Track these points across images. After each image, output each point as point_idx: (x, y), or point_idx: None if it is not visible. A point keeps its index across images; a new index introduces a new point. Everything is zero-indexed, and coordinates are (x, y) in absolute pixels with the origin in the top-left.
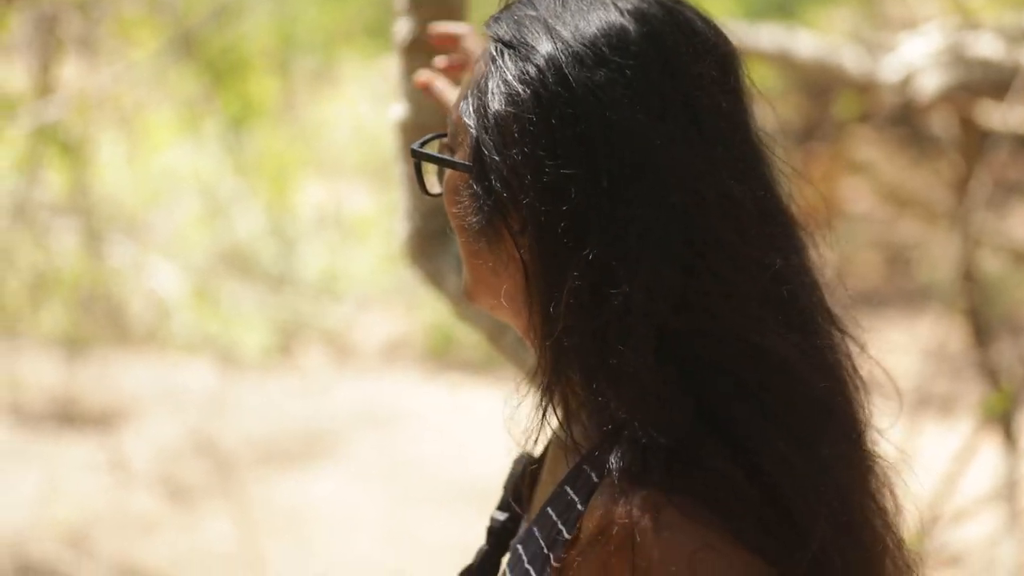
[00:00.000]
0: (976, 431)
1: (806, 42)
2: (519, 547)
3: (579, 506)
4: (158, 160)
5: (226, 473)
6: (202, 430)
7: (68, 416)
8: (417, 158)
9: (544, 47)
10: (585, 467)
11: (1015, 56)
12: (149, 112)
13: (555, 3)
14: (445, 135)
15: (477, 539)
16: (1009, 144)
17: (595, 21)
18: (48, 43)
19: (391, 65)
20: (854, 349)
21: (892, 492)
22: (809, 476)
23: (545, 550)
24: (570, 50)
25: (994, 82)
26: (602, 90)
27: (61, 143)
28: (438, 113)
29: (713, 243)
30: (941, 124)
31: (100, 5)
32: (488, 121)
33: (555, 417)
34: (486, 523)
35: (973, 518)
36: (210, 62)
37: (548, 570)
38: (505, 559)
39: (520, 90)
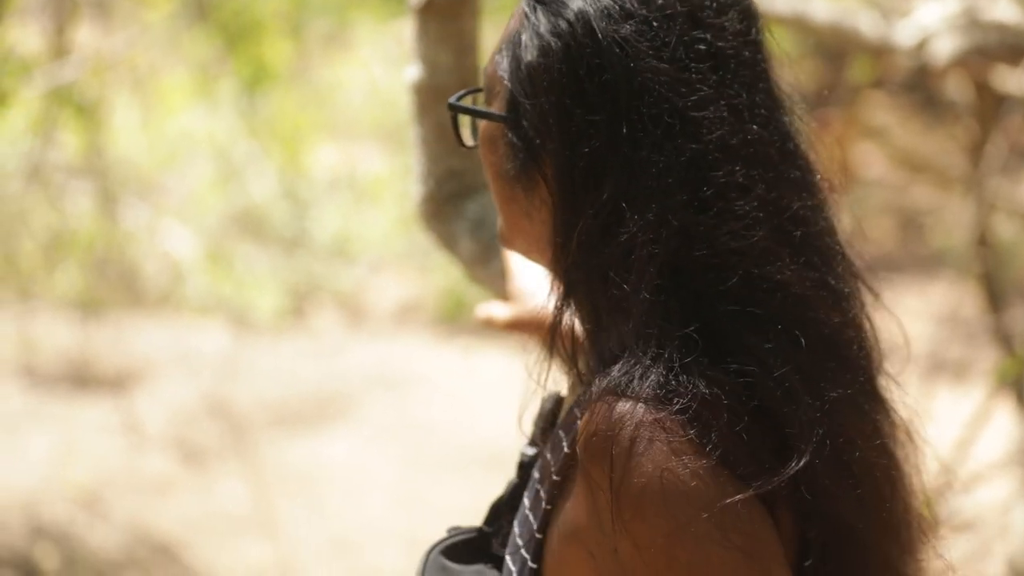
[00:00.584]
0: (989, 396)
1: (821, 6)
2: (534, 469)
3: (564, 444)
4: (172, 123)
5: (239, 436)
6: (215, 393)
7: (82, 378)
8: (453, 111)
9: (575, 3)
10: (591, 389)
11: None
12: (163, 75)
13: None
14: (480, 90)
15: (488, 501)
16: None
17: None
18: (63, 5)
19: (405, 28)
20: (869, 298)
21: (905, 445)
22: (810, 409)
23: (551, 466)
24: (599, 4)
25: (1010, 47)
26: (627, 42)
27: (76, 105)
28: (454, 74)
29: (731, 185)
30: (956, 89)
31: None
32: (521, 72)
33: (562, 350)
34: (514, 462)
35: (986, 484)
36: (223, 25)
37: (550, 484)
38: None
39: (551, 42)
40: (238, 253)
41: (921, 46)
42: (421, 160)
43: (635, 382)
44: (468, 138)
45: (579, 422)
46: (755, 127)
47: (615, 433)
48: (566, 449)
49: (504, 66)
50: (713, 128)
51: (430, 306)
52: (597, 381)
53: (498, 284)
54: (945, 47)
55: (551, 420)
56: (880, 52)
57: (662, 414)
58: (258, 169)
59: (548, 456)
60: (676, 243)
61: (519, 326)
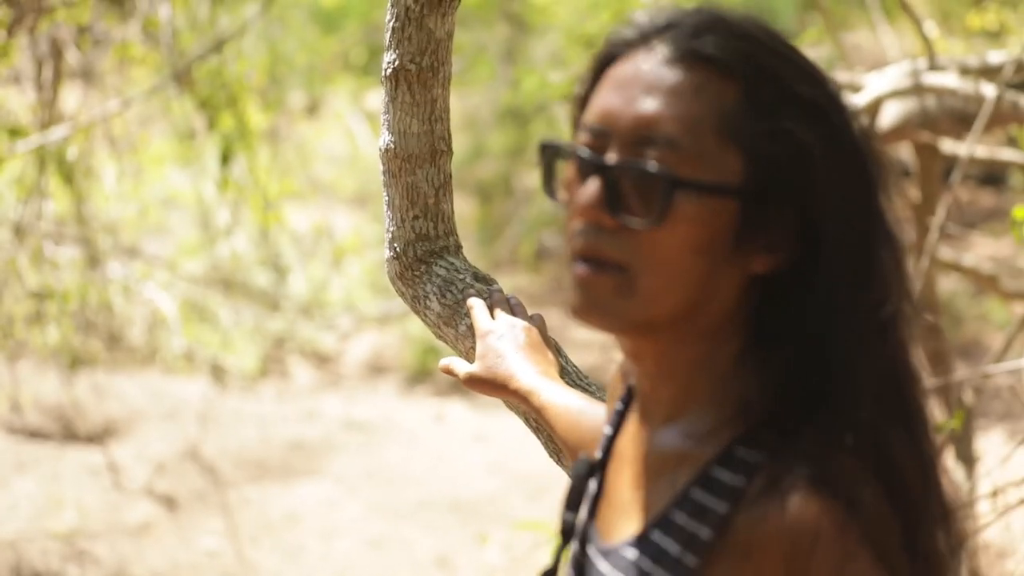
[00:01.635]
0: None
1: None
2: (655, 540)
3: (720, 508)
4: (155, 185)
5: (217, 485)
6: (195, 444)
7: (67, 429)
8: (670, 183)
9: (812, 87)
10: (717, 472)
11: (976, 90)
12: (147, 139)
13: (762, 29)
14: (643, 164)
15: (457, 549)
16: (968, 176)
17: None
18: (50, 71)
19: (378, 95)
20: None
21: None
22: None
23: (699, 526)
24: (830, 95)
25: (955, 115)
26: (864, 137)
27: (63, 168)
28: (424, 141)
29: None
30: (902, 154)
31: (102, 36)
32: (773, 142)
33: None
34: (554, 523)
35: None
36: (205, 99)
37: (698, 546)
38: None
39: (814, 109)
40: (218, 310)
41: (869, 114)
42: (391, 224)
43: (830, 474)
44: (639, 220)
45: (722, 511)
46: (888, 222)
47: (803, 535)
48: (705, 538)
49: (745, 132)
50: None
51: (402, 360)
52: (737, 463)
53: (465, 345)
54: (892, 115)
55: (584, 484)
56: None
57: (850, 523)
58: (237, 230)
59: (682, 516)
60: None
61: (478, 383)
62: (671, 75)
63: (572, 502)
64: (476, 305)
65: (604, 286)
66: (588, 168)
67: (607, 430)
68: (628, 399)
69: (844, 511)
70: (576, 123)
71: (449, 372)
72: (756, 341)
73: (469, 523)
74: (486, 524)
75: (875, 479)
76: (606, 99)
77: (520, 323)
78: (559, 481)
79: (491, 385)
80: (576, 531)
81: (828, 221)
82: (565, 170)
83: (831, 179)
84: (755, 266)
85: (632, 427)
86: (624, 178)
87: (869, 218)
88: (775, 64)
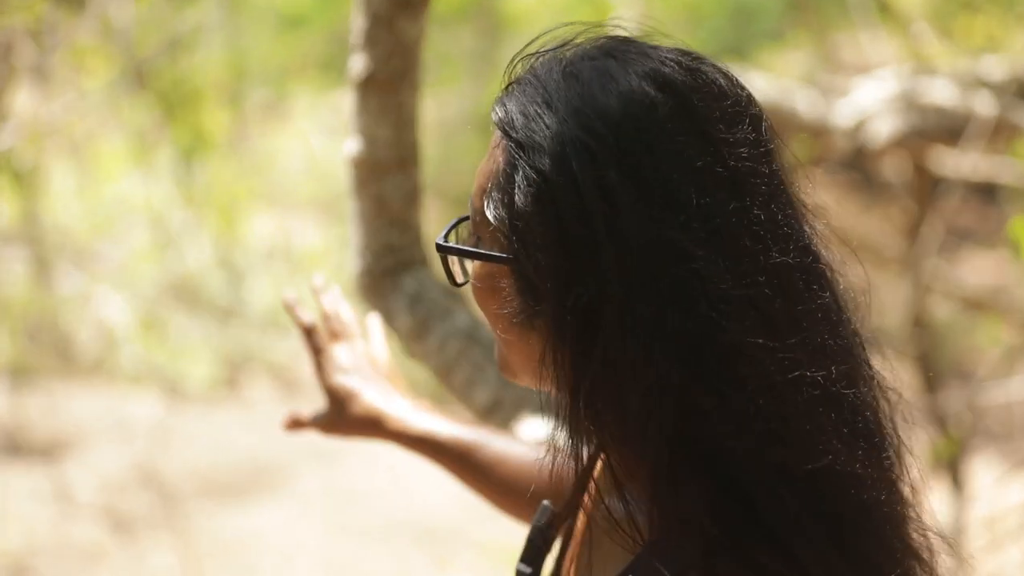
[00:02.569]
0: (924, 477)
1: (759, 85)
2: None
3: None
4: (109, 190)
5: (170, 505)
6: (147, 461)
7: (13, 446)
8: (446, 252)
9: (559, 141)
10: (648, 559)
11: (967, 103)
12: (101, 142)
13: (568, 79)
14: (467, 218)
15: (418, 572)
16: (960, 191)
17: (617, 97)
18: (1, 71)
19: (344, 100)
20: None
21: None
22: None
23: None
24: (582, 141)
25: (947, 129)
26: (614, 191)
27: (12, 171)
28: (393, 148)
29: (740, 352)
30: (893, 170)
31: (54, 33)
32: (514, 215)
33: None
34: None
35: None
36: (162, 94)
37: None
38: None
39: (535, 190)
40: (172, 322)
41: (859, 127)
42: (359, 234)
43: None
44: (459, 275)
45: None
46: (776, 255)
47: None
48: None
49: (494, 210)
50: (725, 279)
51: None
52: (662, 553)
53: (433, 359)
54: (883, 128)
55: (544, 537)
56: (818, 132)
57: None
58: (193, 238)
59: None
60: (675, 417)
61: (339, 428)
62: (492, 141)
63: (527, 555)
64: (308, 325)
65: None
66: None
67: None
68: None
69: None
70: None
71: (298, 425)
72: None
73: (431, 546)
74: (448, 547)
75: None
76: None
77: (369, 348)
78: None
79: (353, 427)
80: None
81: (567, 299)
82: None
83: (563, 255)
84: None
85: (600, 476)
86: None
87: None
88: (533, 132)
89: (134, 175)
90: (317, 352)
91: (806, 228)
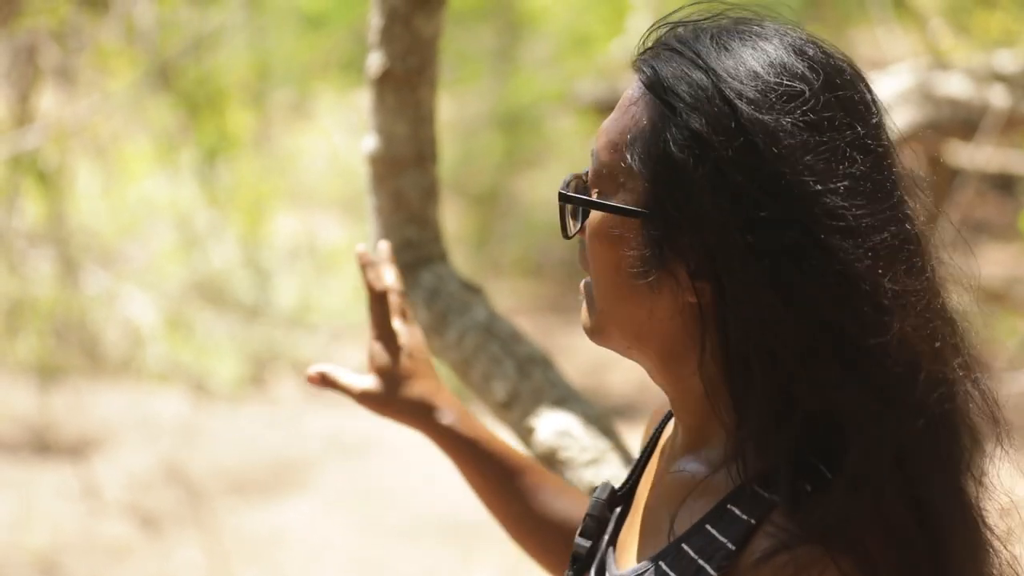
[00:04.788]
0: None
1: None
2: (664, 569)
3: (729, 546)
4: (134, 190)
5: (197, 502)
6: (174, 459)
7: (41, 444)
8: (567, 202)
9: (712, 103)
10: (731, 507)
11: (983, 96)
12: (125, 142)
13: (718, 48)
14: (583, 175)
15: (445, 569)
16: (976, 183)
17: (768, 66)
18: (26, 72)
19: (364, 97)
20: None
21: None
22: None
23: None
24: (741, 98)
25: (963, 121)
26: (776, 146)
27: (38, 172)
28: (410, 145)
29: (889, 299)
30: (908, 163)
31: (78, 35)
32: (666, 167)
33: (741, 461)
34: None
35: None
36: (186, 94)
37: None
38: None
39: (691, 143)
40: (198, 320)
41: None
42: (377, 230)
43: (807, 516)
44: (571, 228)
45: (731, 545)
46: (908, 225)
47: None
48: (729, 550)
49: (637, 158)
50: (878, 232)
51: None
52: (746, 500)
53: (452, 354)
54: (898, 121)
55: (605, 511)
56: None
57: (843, 557)
58: (219, 237)
59: (692, 548)
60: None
61: (378, 404)
62: (626, 98)
63: (588, 530)
64: (380, 291)
65: (585, 297)
66: None
67: (638, 456)
68: (664, 422)
69: (851, 561)
70: None
71: (328, 384)
72: (725, 377)
73: (457, 541)
74: (474, 543)
75: (887, 530)
76: None
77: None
78: None
79: (401, 411)
80: (593, 558)
81: (719, 249)
82: None
83: (717, 207)
84: (685, 294)
85: (663, 449)
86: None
87: (772, 242)
88: (687, 92)
89: (159, 175)
90: (381, 323)
91: (907, 198)
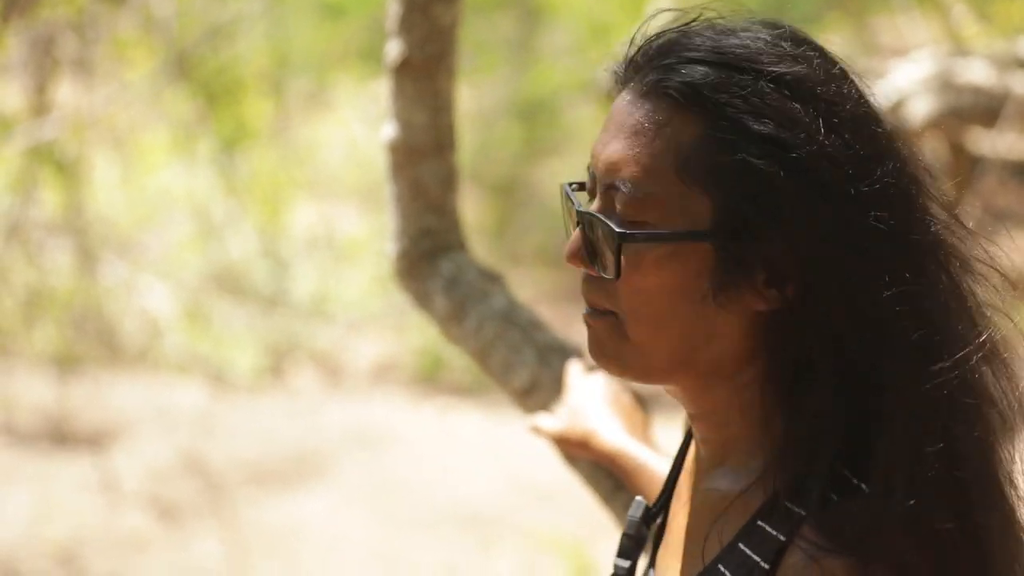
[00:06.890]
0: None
1: None
2: None
3: (763, 564)
4: (152, 180)
5: (216, 493)
6: (193, 450)
7: (60, 435)
8: (628, 241)
9: (763, 103)
10: (761, 524)
11: (1005, 83)
12: (143, 133)
13: (737, 48)
14: (605, 211)
15: (464, 560)
16: (998, 171)
17: (791, 60)
18: (44, 63)
19: (383, 86)
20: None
21: None
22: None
23: None
24: (787, 81)
25: (984, 109)
26: (838, 110)
27: (56, 163)
28: (429, 133)
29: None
30: (930, 150)
31: (96, 26)
32: (745, 179)
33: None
34: (609, 561)
35: None
36: (204, 84)
37: None
38: None
39: (777, 139)
40: (216, 311)
41: (896, 108)
42: (396, 218)
43: (839, 527)
44: (605, 271)
45: (765, 564)
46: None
47: None
48: (764, 568)
49: (701, 178)
50: (919, 212)
51: (407, 365)
52: (776, 517)
53: (471, 342)
54: (920, 108)
55: (642, 529)
56: None
57: (876, 568)
58: (237, 227)
59: (727, 568)
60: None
61: (563, 442)
62: (638, 113)
63: (625, 550)
64: (572, 365)
65: (603, 331)
66: (574, 214)
67: (668, 471)
68: (688, 440)
69: (885, 568)
70: None
71: (536, 432)
72: (784, 384)
73: (476, 533)
74: (493, 534)
75: (923, 546)
76: (597, 139)
77: (612, 382)
78: (567, 489)
79: (573, 443)
80: None
81: (810, 248)
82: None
83: (807, 206)
84: (755, 304)
85: (689, 468)
86: (592, 226)
87: (870, 240)
88: (735, 95)
89: (177, 165)
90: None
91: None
